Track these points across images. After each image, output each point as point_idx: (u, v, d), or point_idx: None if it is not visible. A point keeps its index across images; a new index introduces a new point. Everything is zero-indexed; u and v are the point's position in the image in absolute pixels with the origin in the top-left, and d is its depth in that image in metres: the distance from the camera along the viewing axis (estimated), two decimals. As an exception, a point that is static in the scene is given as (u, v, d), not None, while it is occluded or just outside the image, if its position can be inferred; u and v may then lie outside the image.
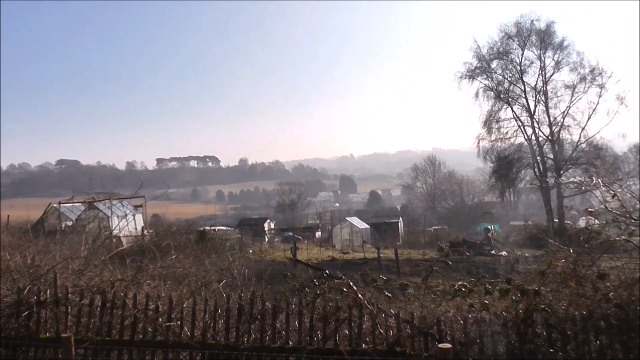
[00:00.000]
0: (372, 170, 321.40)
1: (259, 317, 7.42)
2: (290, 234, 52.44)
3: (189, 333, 7.57)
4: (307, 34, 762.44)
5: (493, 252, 33.72)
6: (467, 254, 29.17)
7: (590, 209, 8.28)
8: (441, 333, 6.84)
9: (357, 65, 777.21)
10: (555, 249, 8.08)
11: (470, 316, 6.95)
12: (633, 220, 7.27)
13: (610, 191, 7.58)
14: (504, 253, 31.25)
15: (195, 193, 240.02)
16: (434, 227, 67.70)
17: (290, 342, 7.21)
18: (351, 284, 7.50)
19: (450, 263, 8.63)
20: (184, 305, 7.85)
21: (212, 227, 38.34)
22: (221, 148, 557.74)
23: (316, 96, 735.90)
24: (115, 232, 21.72)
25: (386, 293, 7.68)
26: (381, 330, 7.01)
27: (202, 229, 32.46)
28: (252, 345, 7.24)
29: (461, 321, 6.90)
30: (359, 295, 7.27)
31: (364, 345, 6.95)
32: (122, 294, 8.10)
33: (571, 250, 7.60)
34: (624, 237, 7.34)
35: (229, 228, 49.37)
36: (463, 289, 7.26)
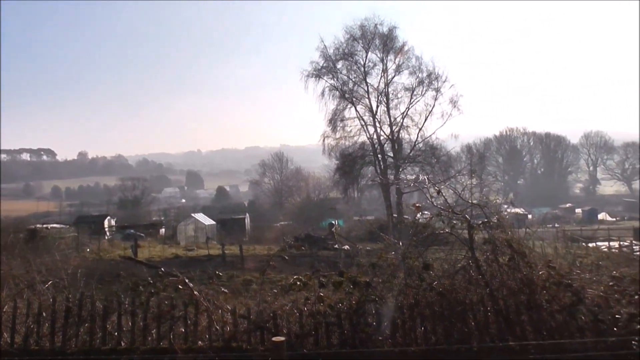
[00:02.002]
0: (220, 165, 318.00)
1: (88, 318, 7.02)
2: (132, 231, 50.49)
3: (9, 340, 6.98)
4: (155, 28, 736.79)
5: (336, 246, 34.87)
6: (303, 248, 29.95)
7: (417, 205, 8.82)
8: (277, 326, 6.91)
9: (205, 60, 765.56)
10: (387, 243, 8.50)
11: (305, 309, 7.11)
12: (455, 215, 7.84)
13: (436, 188, 8.12)
14: (346, 247, 32.34)
15: (28, 189, 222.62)
16: (280, 223, 68.59)
17: (123, 343, 6.92)
18: (187, 281, 7.35)
19: (287, 257, 8.77)
20: (4, 310, 7.22)
21: (45, 225, 35.88)
22: (58, 140, 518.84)
23: (163, 89, 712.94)
24: None
25: (222, 289, 7.62)
26: (217, 327, 6.94)
27: (33, 227, 30.26)
28: (81, 348, 6.84)
29: (297, 314, 7.03)
30: (195, 292, 7.14)
31: (200, 342, 6.84)
32: None
33: (401, 243, 8.04)
34: (447, 230, 7.90)
35: (65, 226, 46.56)
36: (298, 283, 7.40)
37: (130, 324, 7.05)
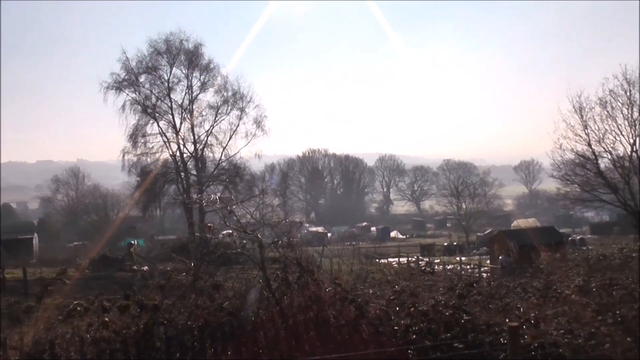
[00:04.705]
0: (6, 180, 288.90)
1: None
2: None
3: None
4: None
5: (135, 267, 33.57)
6: (87, 270, 28.69)
7: (209, 224, 8.80)
8: (56, 357, 6.42)
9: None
10: (179, 262, 8.38)
11: (88, 336, 6.70)
12: (246, 234, 7.96)
13: (228, 208, 8.17)
14: (145, 268, 31.25)
15: None
16: (74, 243, 64.26)
17: None
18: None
19: (68, 281, 8.21)
20: None
21: None
22: None
23: None
24: None
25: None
26: (-19, 362, 6.28)
27: None
28: None
29: (79, 342, 6.60)
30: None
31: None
32: None
33: (192, 264, 7.96)
34: (239, 250, 7.99)
35: None
36: (79, 308, 6.97)
37: None
